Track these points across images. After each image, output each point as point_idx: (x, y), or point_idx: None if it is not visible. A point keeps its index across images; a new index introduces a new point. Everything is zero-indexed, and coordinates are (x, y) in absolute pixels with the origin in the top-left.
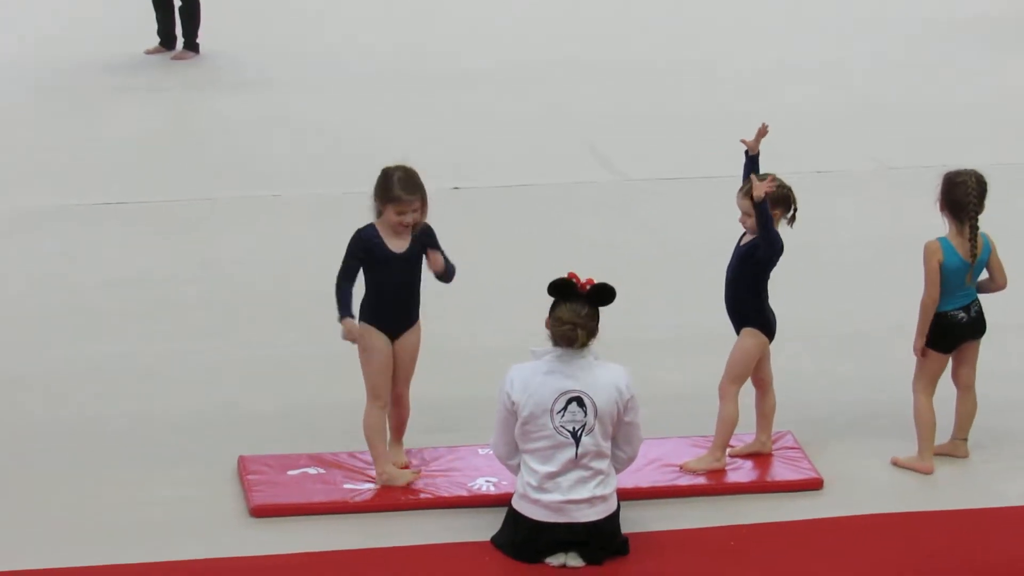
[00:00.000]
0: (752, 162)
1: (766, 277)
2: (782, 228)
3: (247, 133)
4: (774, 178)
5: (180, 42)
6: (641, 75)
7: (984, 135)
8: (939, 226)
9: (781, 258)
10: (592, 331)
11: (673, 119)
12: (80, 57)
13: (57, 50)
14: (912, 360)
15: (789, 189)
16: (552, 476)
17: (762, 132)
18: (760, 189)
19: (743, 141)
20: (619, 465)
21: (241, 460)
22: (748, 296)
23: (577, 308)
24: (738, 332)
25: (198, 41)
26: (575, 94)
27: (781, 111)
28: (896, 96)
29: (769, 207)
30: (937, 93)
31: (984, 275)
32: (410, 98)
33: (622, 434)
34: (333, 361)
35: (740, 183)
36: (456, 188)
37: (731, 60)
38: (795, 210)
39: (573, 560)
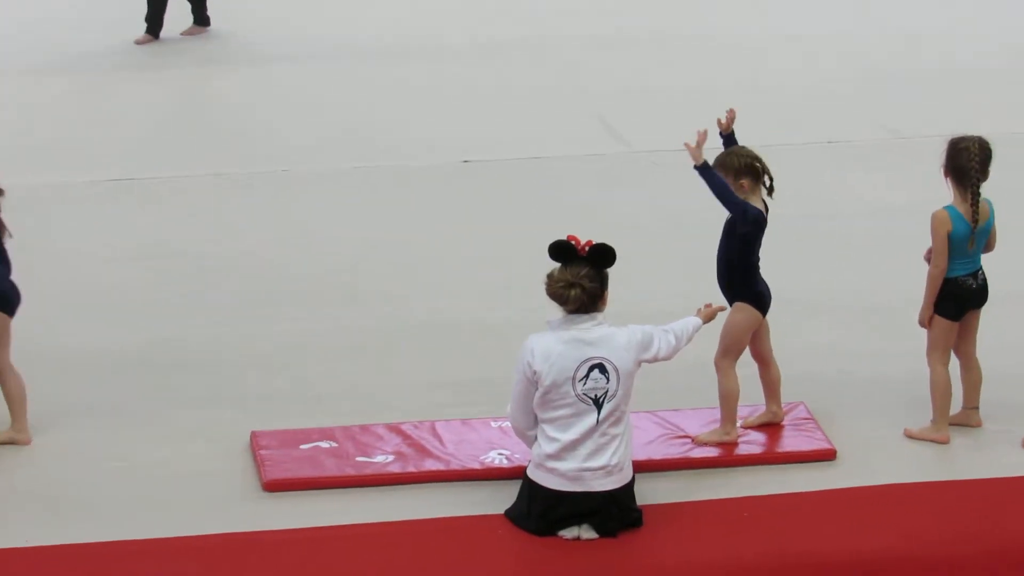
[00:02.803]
0: (728, 140)
1: (753, 251)
2: (769, 199)
3: (257, 108)
4: (713, 131)
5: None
6: (649, 47)
7: (998, 103)
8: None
9: (789, 230)
10: (593, 293)
11: (681, 90)
12: (86, 36)
13: (62, 29)
14: (924, 330)
15: (754, 158)
16: (572, 445)
17: (731, 117)
18: (693, 152)
19: (718, 121)
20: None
21: (253, 435)
22: (736, 271)
23: (576, 269)
24: (731, 306)
25: (208, 14)
26: (584, 67)
27: (790, 80)
28: (907, 64)
29: (718, 175)
30: (949, 60)
31: None
32: (420, 71)
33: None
34: (345, 335)
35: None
36: (466, 161)
37: (740, 30)
38: (770, 180)
39: (587, 533)
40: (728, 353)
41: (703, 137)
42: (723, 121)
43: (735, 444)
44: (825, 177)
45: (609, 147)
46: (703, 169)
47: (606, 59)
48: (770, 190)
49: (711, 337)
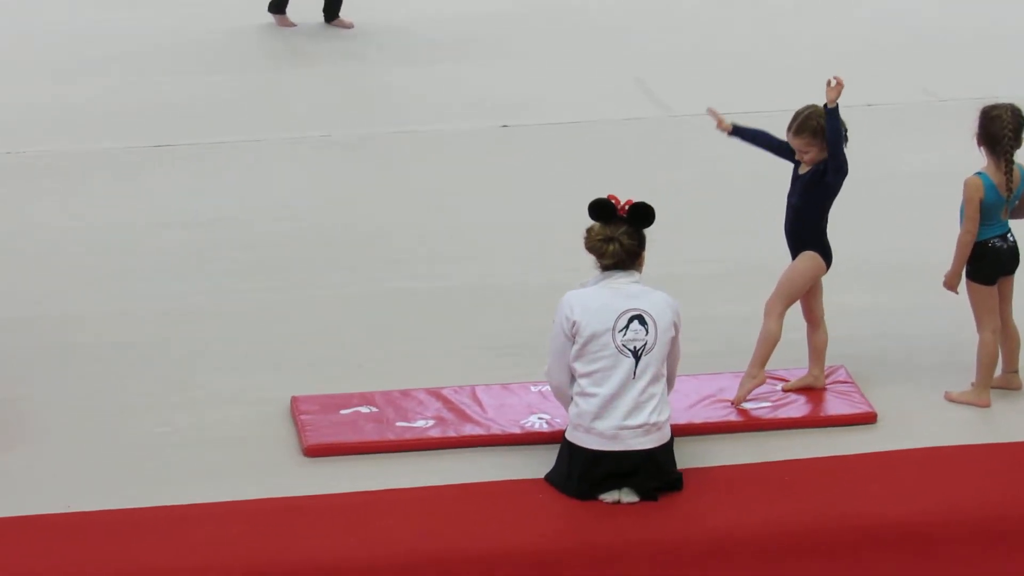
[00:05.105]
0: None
1: (831, 204)
2: None
3: (288, 75)
4: (841, 83)
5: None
6: (688, 9)
7: None
8: None
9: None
10: (631, 250)
11: (720, 54)
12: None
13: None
14: (963, 293)
15: None
16: (610, 399)
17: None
18: (833, 91)
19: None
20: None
21: (294, 400)
22: (812, 222)
23: (615, 226)
24: (797, 256)
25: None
26: (623, 30)
27: (828, 43)
28: (948, 26)
29: (842, 122)
30: (991, 22)
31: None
32: (458, 35)
33: (668, 353)
34: (385, 300)
35: (787, 117)
36: (505, 126)
37: None
38: (845, 130)
39: (627, 496)
40: (782, 298)
41: (841, 84)
42: (833, 84)
43: (763, 382)
44: (864, 140)
45: (648, 111)
46: (833, 111)
47: (645, 23)
48: (844, 142)
49: (750, 299)
